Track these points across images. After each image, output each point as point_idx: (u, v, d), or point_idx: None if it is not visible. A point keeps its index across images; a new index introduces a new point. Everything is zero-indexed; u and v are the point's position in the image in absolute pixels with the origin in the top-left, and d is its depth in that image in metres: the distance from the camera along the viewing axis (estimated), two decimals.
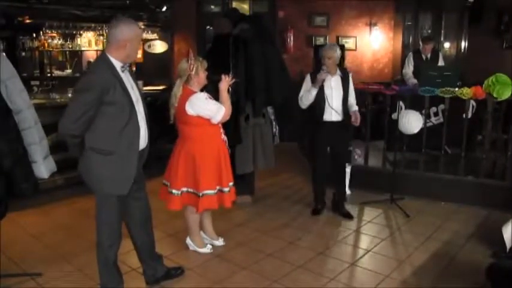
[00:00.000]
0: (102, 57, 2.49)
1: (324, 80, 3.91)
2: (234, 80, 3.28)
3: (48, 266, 3.20)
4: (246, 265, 3.27)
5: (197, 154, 3.17)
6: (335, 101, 3.98)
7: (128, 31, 2.42)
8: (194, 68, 3.11)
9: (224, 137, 3.30)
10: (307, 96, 3.98)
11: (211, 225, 3.62)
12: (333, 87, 3.99)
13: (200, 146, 3.18)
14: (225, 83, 3.19)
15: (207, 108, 3.11)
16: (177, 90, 3.16)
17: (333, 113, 3.98)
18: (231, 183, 3.34)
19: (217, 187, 3.24)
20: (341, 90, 4.00)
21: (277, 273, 3.16)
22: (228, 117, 3.20)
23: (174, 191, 3.22)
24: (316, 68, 6.59)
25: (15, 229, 3.81)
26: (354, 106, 4.12)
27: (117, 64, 2.45)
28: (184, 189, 3.21)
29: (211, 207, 3.29)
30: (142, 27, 6.66)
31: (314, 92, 3.94)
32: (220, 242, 3.60)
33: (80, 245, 3.48)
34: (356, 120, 4.06)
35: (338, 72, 4.03)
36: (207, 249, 3.47)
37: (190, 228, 3.46)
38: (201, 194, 3.16)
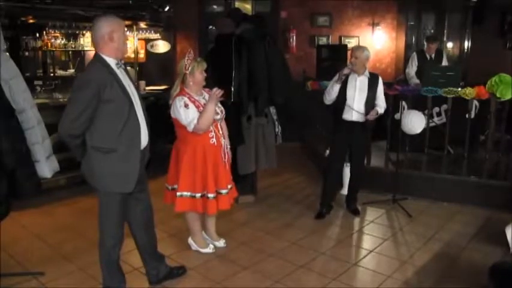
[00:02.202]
0: (95, 56, 2.49)
1: (345, 75, 3.90)
2: (222, 98, 3.15)
3: (51, 265, 3.21)
4: (248, 265, 3.27)
5: (180, 155, 3.19)
6: (357, 101, 3.94)
7: (108, 23, 2.42)
8: (190, 68, 3.08)
9: (214, 141, 3.16)
10: (330, 92, 4.00)
11: (214, 226, 3.60)
12: (358, 88, 3.96)
13: (183, 147, 3.18)
14: (214, 98, 3.04)
15: (180, 116, 3.05)
16: (175, 88, 3.16)
17: (353, 113, 3.95)
18: (223, 191, 3.23)
19: (201, 192, 3.17)
20: (366, 91, 3.95)
21: (279, 273, 3.15)
22: (203, 131, 3.07)
23: (166, 185, 3.33)
24: (319, 68, 6.58)
25: (17, 228, 3.82)
26: (379, 107, 3.99)
27: (112, 61, 2.45)
28: (176, 186, 3.25)
29: (184, 210, 3.25)
30: (145, 27, 6.66)
31: (336, 87, 3.94)
32: (221, 243, 3.58)
33: (82, 244, 3.49)
34: (371, 115, 3.88)
35: (366, 73, 4.00)
36: (209, 249, 3.47)
37: (191, 229, 3.46)
38: (178, 194, 3.17)
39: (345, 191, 4.56)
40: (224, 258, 3.39)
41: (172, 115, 3.11)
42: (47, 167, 3.08)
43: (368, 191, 4.66)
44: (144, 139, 2.59)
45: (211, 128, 3.13)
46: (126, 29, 2.44)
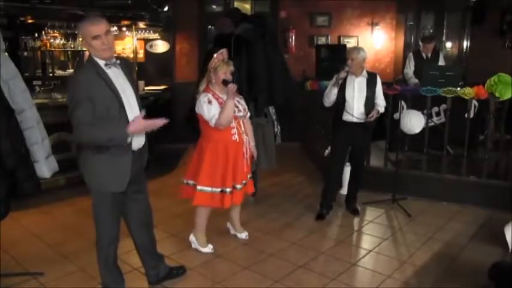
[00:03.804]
0: (87, 57, 2.53)
1: (342, 79, 3.88)
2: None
3: (50, 265, 3.20)
4: (247, 265, 3.27)
5: (202, 151, 3.28)
6: (356, 102, 3.93)
7: (81, 29, 2.43)
8: (215, 66, 3.19)
9: (236, 137, 3.25)
10: (329, 94, 3.99)
11: (238, 217, 3.70)
12: (356, 89, 3.94)
13: (206, 143, 3.28)
14: (231, 93, 3.13)
15: (203, 112, 3.18)
16: (202, 84, 3.28)
17: (354, 114, 3.93)
18: (238, 186, 3.30)
19: (220, 187, 3.24)
20: (365, 92, 3.94)
21: (279, 273, 3.15)
22: (224, 127, 3.18)
23: (183, 179, 3.40)
24: (318, 68, 6.57)
25: (17, 228, 3.81)
26: (379, 106, 3.99)
27: (101, 62, 2.44)
28: (190, 181, 3.33)
29: (202, 204, 3.30)
30: (144, 27, 6.65)
31: (334, 90, 3.92)
32: (243, 235, 3.69)
33: (82, 244, 3.49)
34: (371, 116, 3.86)
35: (364, 73, 3.98)
36: (208, 249, 3.47)
37: (197, 224, 3.46)
38: (198, 189, 3.24)
39: (344, 190, 4.56)
40: (224, 258, 3.39)
41: (197, 110, 3.24)
42: (46, 167, 3.07)
43: (367, 190, 4.65)
44: (139, 139, 2.57)
45: (233, 124, 3.24)
46: (101, 32, 2.36)
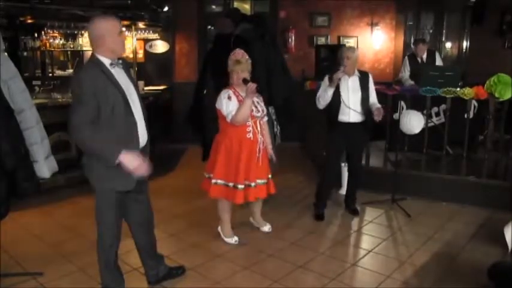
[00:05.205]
0: (90, 57, 2.51)
1: (339, 79, 3.86)
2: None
3: (50, 265, 3.21)
4: (247, 265, 3.28)
5: (218, 145, 3.39)
6: (352, 102, 3.92)
7: (101, 25, 2.41)
8: (229, 68, 3.33)
9: (251, 136, 3.33)
10: (324, 96, 3.95)
11: (260, 211, 3.82)
12: (350, 88, 3.93)
13: (222, 138, 3.38)
14: (250, 92, 3.19)
15: (222, 107, 3.29)
16: (228, 83, 3.40)
17: (350, 114, 3.92)
18: (252, 184, 3.39)
19: (232, 182, 3.35)
20: (359, 91, 3.94)
21: (279, 273, 3.16)
22: (239, 123, 3.27)
23: (204, 173, 3.53)
24: (318, 68, 6.57)
25: (17, 228, 3.81)
26: (376, 104, 4.02)
27: (106, 61, 2.44)
28: (207, 175, 3.46)
29: (218, 196, 3.43)
30: (143, 27, 6.66)
31: (330, 91, 3.89)
32: (265, 228, 3.81)
33: (81, 244, 3.49)
34: (379, 115, 3.86)
35: (356, 73, 3.98)
36: (232, 241, 3.60)
37: (220, 218, 3.62)
38: (213, 182, 3.36)
39: (343, 191, 4.56)
40: (223, 258, 3.39)
41: (217, 106, 3.34)
42: (45, 167, 3.08)
43: (367, 191, 4.66)
44: (143, 138, 2.58)
45: (249, 122, 3.33)
46: (123, 29, 2.44)
